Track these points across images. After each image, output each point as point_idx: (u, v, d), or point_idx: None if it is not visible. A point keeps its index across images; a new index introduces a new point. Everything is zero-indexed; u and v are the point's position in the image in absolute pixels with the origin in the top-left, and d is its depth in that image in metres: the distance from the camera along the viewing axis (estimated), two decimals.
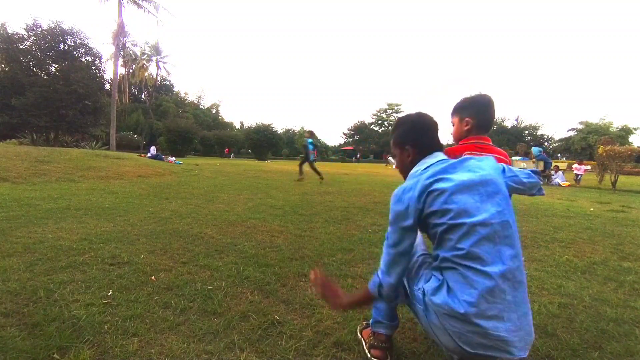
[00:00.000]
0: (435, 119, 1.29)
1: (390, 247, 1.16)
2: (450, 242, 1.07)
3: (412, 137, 1.27)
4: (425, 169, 1.17)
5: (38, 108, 16.87)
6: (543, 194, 1.41)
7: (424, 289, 1.12)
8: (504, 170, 1.25)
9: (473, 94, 1.55)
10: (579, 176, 11.99)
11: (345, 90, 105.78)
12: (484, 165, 1.15)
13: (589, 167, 12.83)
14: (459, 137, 1.54)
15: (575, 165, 12.54)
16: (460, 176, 1.10)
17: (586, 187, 10.31)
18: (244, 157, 34.81)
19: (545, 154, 12.92)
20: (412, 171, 1.23)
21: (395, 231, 1.14)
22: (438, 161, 1.19)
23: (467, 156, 1.20)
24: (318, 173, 7.94)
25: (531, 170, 1.35)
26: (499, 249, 1.04)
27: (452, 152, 1.45)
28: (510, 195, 1.22)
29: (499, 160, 1.44)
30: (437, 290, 1.09)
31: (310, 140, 8.15)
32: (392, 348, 1.37)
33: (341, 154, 49.68)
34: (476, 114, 1.48)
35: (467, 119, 1.49)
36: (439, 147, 1.25)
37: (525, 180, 1.29)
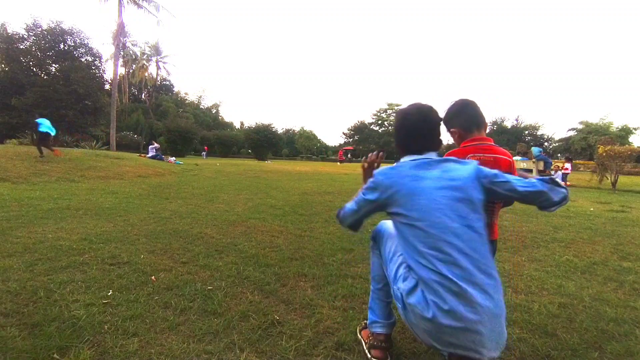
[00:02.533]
0: (428, 115, 1.28)
1: (353, 208, 1.34)
2: (411, 240, 1.15)
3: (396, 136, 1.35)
4: (409, 162, 1.23)
5: (38, 108, 16.89)
6: (551, 210, 1.19)
7: (401, 290, 1.18)
8: (480, 175, 1.19)
9: (449, 105, 1.55)
10: (566, 175, 11.79)
11: (345, 90, 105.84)
12: (460, 169, 1.17)
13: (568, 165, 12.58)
14: (458, 144, 1.56)
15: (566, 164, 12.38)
16: (432, 177, 1.15)
17: (586, 187, 10.30)
18: (244, 157, 34.72)
19: (545, 154, 12.89)
20: (400, 161, 1.28)
21: (360, 199, 1.30)
22: (421, 159, 1.22)
23: (449, 157, 1.23)
24: (40, 152, 8.51)
25: (540, 179, 1.22)
26: (458, 252, 1.08)
27: (455, 155, 1.46)
28: (504, 200, 1.24)
29: (502, 160, 1.44)
30: (412, 290, 1.14)
31: (40, 120, 8.56)
32: (391, 347, 1.37)
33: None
34: (455, 123, 1.52)
35: (452, 130, 1.54)
36: (425, 146, 1.26)
37: (520, 188, 1.18)
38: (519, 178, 1.22)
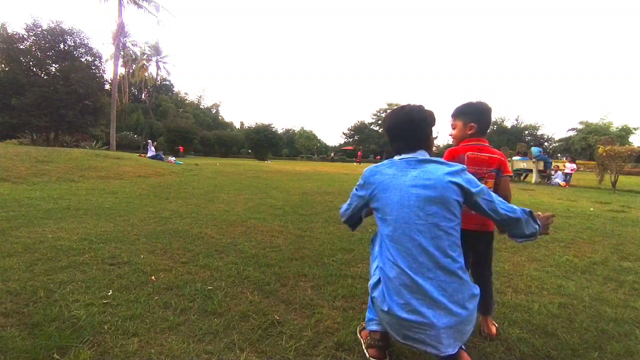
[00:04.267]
0: (406, 116, 1.30)
1: (347, 203, 1.41)
2: (383, 235, 1.20)
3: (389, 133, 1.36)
4: (394, 160, 1.28)
5: (38, 108, 16.86)
6: (519, 240, 1.25)
7: (370, 284, 1.25)
8: (461, 179, 1.17)
9: (474, 101, 1.63)
10: (569, 176, 11.43)
11: (345, 90, 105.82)
12: (439, 169, 1.18)
13: (574, 165, 12.22)
14: (461, 139, 1.62)
15: (567, 165, 11.94)
16: (409, 176, 1.18)
17: (586, 187, 10.30)
18: (244, 157, 34.63)
19: (545, 154, 12.87)
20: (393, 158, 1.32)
21: (352, 194, 1.37)
22: (407, 158, 1.25)
23: (436, 158, 1.25)
24: None
25: (522, 209, 1.22)
26: (418, 247, 1.10)
27: (455, 152, 1.56)
28: (482, 214, 1.24)
29: (494, 159, 1.54)
30: (376, 284, 1.20)
31: None
32: (389, 346, 1.36)
33: (341, 153, 49.51)
34: (478, 120, 1.58)
35: (471, 124, 1.58)
36: (408, 146, 1.28)
37: (501, 210, 1.19)
38: (502, 201, 1.23)
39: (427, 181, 1.15)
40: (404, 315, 1.08)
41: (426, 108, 1.32)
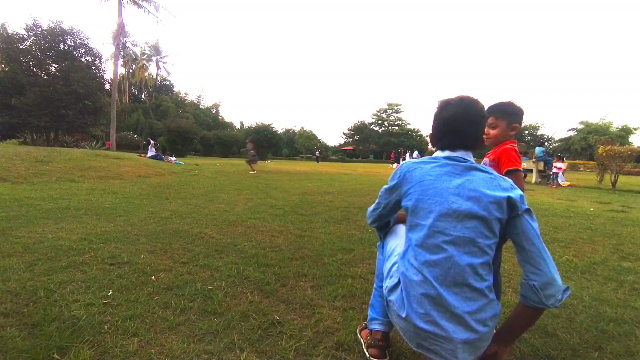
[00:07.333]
0: (467, 109, 1.17)
1: (376, 202, 1.33)
2: (411, 239, 1.13)
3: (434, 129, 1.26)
4: (439, 159, 1.17)
5: (38, 108, 16.87)
6: (523, 300, 1.10)
7: (387, 286, 1.20)
8: (510, 198, 1.07)
9: (512, 101, 1.58)
10: (556, 175, 11.00)
11: (345, 90, 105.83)
12: (486, 182, 1.09)
13: (562, 164, 11.59)
14: (500, 139, 1.56)
15: (555, 164, 11.46)
16: (453, 183, 1.10)
17: (586, 187, 10.30)
18: (244, 157, 34.43)
19: (546, 154, 12.89)
20: (432, 156, 1.23)
21: (382, 190, 1.29)
22: (453, 160, 1.15)
23: (484, 167, 1.16)
24: None
25: (564, 287, 1.09)
26: (448, 260, 1.04)
27: (514, 152, 1.50)
28: (508, 237, 1.14)
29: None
30: (394, 287, 1.16)
31: None
32: (389, 346, 1.36)
33: (341, 154, 49.50)
34: (520, 122, 1.57)
35: (515, 125, 1.55)
36: (458, 143, 1.17)
37: (538, 242, 1.07)
38: (549, 255, 1.11)
39: (472, 192, 1.07)
40: (422, 325, 1.04)
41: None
